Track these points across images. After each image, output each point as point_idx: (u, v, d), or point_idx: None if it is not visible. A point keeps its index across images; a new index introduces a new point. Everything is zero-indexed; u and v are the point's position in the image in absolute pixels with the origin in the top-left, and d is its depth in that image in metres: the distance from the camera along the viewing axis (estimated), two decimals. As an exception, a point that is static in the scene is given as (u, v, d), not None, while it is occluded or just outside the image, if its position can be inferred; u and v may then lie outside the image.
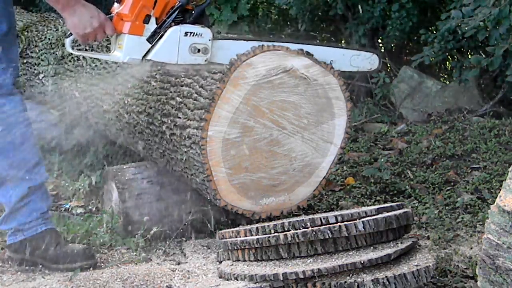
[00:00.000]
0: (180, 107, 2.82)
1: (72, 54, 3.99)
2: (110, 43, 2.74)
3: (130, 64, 2.69)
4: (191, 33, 2.65)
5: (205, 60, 2.69)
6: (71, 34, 2.62)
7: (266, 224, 2.48)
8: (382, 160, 4.16)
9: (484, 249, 1.92)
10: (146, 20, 2.61)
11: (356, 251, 2.31)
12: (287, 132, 2.81)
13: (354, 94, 6.00)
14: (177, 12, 2.65)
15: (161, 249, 2.93)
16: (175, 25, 2.64)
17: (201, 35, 2.66)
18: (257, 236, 2.38)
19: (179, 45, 2.64)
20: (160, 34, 2.63)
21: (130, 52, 2.62)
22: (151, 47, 2.63)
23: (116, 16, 2.62)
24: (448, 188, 3.74)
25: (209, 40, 2.68)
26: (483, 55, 4.91)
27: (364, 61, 3.02)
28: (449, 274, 2.62)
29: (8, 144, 2.65)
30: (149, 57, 2.64)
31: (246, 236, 2.43)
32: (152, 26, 2.62)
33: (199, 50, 2.67)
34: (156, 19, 2.63)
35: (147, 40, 2.62)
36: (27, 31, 4.74)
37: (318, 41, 6.99)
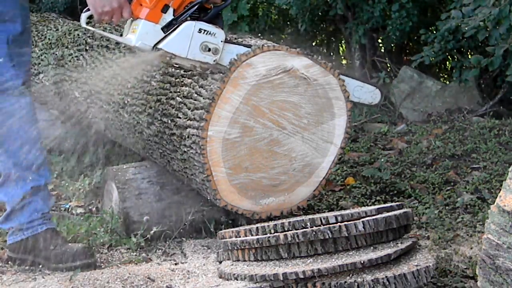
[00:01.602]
0: (180, 107, 2.82)
1: (72, 54, 4.00)
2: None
3: (141, 49, 2.69)
4: (205, 31, 2.66)
5: (214, 61, 2.69)
6: (88, 9, 2.63)
7: (266, 224, 2.48)
8: (382, 160, 4.16)
9: (484, 249, 1.92)
10: (164, 9, 2.63)
11: (356, 251, 2.31)
12: (287, 132, 2.81)
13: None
14: (195, 8, 2.66)
15: (161, 249, 2.93)
16: (191, 20, 2.66)
17: (214, 35, 2.67)
18: (257, 236, 2.38)
19: (191, 40, 2.65)
20: (175, 26, 2.65)
21: (143, 38, 2.63)
22: (164, 36, 2.65)
23: (136, 1, 2.64)
24: (448, 188, 3.73)
25: (221, 41, 2.69)
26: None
27: (366, 94, 3.03)
28: (449, 274, 2.62)
29: (14, 144, 2.65)
30: (160, 45, 2.65)
31: (246, 236, 2.43)
32: (169, 16, 2.64)
33: (209, 49, 2.67)
34: (174, 10, 2.65)
35: (162, 29, 2.64)
36: (27, 31, 4.74)
37: (318, 41, 6.99)
